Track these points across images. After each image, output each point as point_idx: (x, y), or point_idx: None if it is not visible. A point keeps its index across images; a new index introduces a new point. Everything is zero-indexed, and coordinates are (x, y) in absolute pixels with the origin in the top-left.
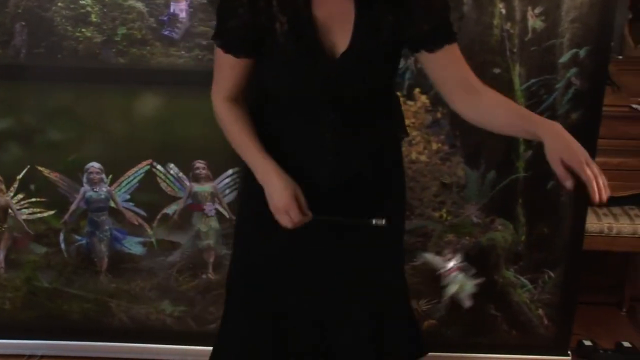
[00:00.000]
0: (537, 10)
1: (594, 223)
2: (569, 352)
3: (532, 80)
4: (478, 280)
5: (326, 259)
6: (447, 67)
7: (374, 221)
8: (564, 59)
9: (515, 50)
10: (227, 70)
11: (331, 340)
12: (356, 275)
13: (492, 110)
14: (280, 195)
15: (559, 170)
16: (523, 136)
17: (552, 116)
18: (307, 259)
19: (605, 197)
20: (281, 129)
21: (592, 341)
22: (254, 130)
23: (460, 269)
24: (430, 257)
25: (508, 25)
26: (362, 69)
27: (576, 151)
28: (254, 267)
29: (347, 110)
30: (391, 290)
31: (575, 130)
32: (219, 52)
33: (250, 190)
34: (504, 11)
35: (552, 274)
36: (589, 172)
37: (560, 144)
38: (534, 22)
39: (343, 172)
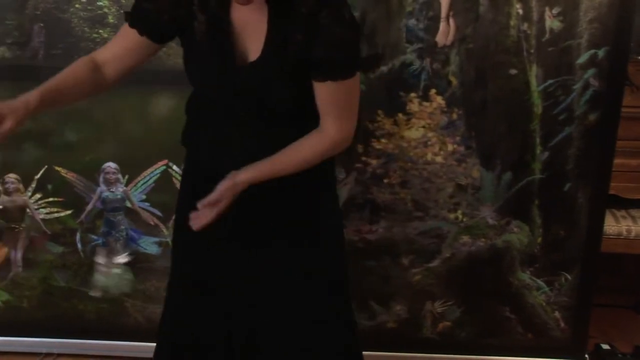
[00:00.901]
0: (554, 11)
1: (612, 225)
2: (586, 356)
3: (550, 81)
4: None
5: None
6: (319, 100)
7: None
8: (582, 59)
9: (532, 51)
10: (120, 37)
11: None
12: (284, 291)
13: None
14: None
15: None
16: None
17: (570, 117)
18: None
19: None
20: (199, 121)
21: (609, 345)
22: (67, 80)
23: None
24: None
25: (525, 26)
26: (265, 81)
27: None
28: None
29: (256, 115)
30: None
31: (593, 132)
32: (124, 26)
33: (179, 197)
34: (521, 12)
35: (568, 277)
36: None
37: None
38: (552, 22)
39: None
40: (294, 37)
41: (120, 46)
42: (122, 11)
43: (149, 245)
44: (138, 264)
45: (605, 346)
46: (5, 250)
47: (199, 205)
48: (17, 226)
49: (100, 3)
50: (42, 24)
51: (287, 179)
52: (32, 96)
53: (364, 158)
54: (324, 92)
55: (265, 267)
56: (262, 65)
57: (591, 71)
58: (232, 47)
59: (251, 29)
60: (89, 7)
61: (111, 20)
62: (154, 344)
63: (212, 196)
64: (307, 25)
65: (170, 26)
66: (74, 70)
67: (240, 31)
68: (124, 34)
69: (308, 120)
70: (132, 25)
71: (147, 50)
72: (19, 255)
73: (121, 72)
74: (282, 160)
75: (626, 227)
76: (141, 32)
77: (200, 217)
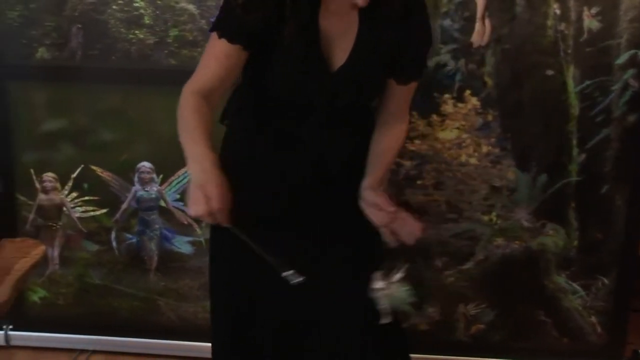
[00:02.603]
0: (593, 10)
1: None
2: None
3: (587, 82)
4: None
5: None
6: (394, 101)
7: (283, 273)
8: (621, 60)
9: (569, 51)
10: (221, 60)
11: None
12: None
13: (375, 139)
14: (208, 178)
15: (369, 209)
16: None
17: (608, 119)
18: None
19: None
20: (267, 123)
21: None
22: (209, 128)
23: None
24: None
25: (562, 26)
26: (355, 84)
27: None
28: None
29: (331, 117)
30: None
31: (632, 134)
32: (215, 43)
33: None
34: (558, 11)
35: (605, 281)
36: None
37: (374, 193)
38: (590, 22)
39: (318, 174)
40: (384, 40)
41: (222, 67)
42: (207, 27)
43: (182, 245)
44: (171, 263)
45: None
46: (43, 247)
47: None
48: (54, 224)
49: (137, 4)
50: (80, 25)
51: (338, 175)
52: (213, 156)
53: (397, 159)
54: (404, 91)
55: (318, 260)
56: (350, 69)
57: (631, 72)
58: (320, 51)
59: (339, 35)
60: (125, 8)
61: (147, 21)
62: (186, 342)
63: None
64: (396, 29)
65: (267, 32)
66: (206, 114)
67: (328, 37)
68: (221, 53)
69: (365, 121)
70: (233, 42)
71: (243, 62)
72: (56, 252)
73: (225, 93)
74: (390, 157)
75: None
76: (246, 47)
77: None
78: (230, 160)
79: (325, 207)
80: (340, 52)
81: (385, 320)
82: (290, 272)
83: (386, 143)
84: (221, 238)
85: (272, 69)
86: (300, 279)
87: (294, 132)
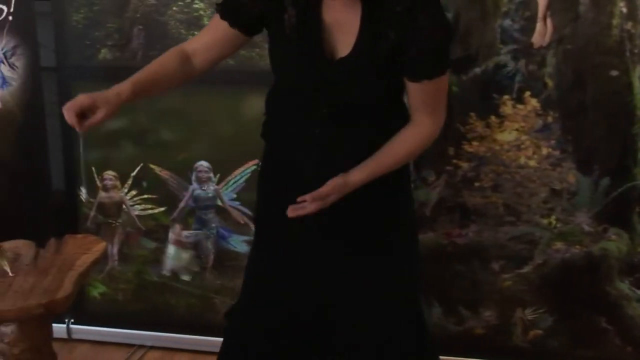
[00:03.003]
0: None
1: None
2: None
3: None
4: None
5: (331, 272)
6: (413, 96)
7: None
8: None
9: (636, 51)
10: (209, 30)
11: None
12: (361, 294)
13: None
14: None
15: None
16: None
17: None
18: (311, 265)
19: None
20: (279, 115)
21: None
22: (157, 70)
23: None
24: None
25: (629, 25)
26: (355, 77)
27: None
28: (262, 269)
29: (339, 112)
30: (395, 318)
31: None
32: (215, 15)
33: (263, 190)
34: (624, 10)
35: None
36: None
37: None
38: None
39: (326, 168)
40: (386, 34)
41: (210, 37)
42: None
43: (238, 244)
44: (227, 261)
45: None
46: (104, 244)
47: (308, 197)
48: (114, 221)
49: (197, 5)
50: (141, 27)
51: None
52: (124, 87)
53: (455, 161)
54: (419, 91)
55: (343, 263)
56: (352, 60)
57: None
58: (321, 42)
59: (342, 26)
60: (185, 10)
61: (206, 22)
62: None
63: (322, 190)
64: (401, 24)
65: (261, 19)
66: (164, 61)
67: (331, 28)
68: (214, 25)
69: (387, 118)
70: (223, 18)
71: (236, 42)
72: (115, 249)
73: (210, 62)
74: (387, 158)
75: None
76: (232, 25)
77: (302, 209)
78: (264, 152)
79: (341, 206)
80: (342, 45)
81: None
82: None
83: (391, 141)
84: (265, 226)
85: (276, 57)
86: None
87: (305, 126)
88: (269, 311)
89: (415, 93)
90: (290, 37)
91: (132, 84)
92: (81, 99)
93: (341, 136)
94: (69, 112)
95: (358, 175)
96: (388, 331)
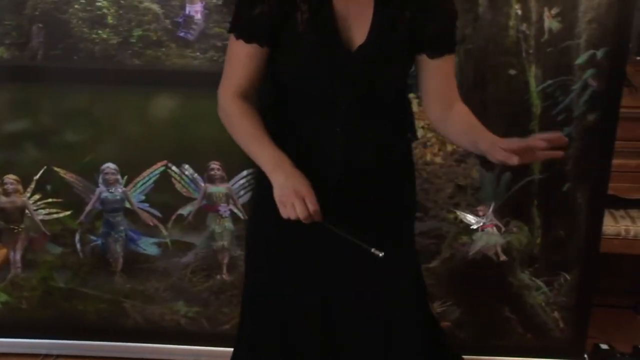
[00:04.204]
0: (553, 11)
1: (610, 225)
2: (585, 356)
3: (549, 82)
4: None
5: (338, 262)
6: (436, 77)
7: (372, 249)
8: (580, 60)
9: (531, 51)
10: (244, 61)
11: (339, 343)
12: (368, 279)
13: (454, 123)
14: (296, 181)
15: (500, 154)
16: (470, 148)
17: (569, 118)
18: (319, 259)
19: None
20: (293, 123)
21: (608, 345)
22: (263, 126)
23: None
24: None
25: (524, 27)
26: (377, 63)
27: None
28: (270, 270)
29: (359, 106)
30: (402, 296)
31: (592, 132)
32: (234, 45)
33: (265, 192)
34: (519, 12)
35: (567, 277)
36: (530, 140)
37: (496, 140)
38: (550, 22)
39: (350, 167)
40: (402, 16)
41: (245, 69)
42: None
43: (148, 246)
44: (137, 264)
45: (604, 346)
46: (4, 251)
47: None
48: (16, 227)
49: (100, 4)
50: (41, 25)
51: (376, 171)
52: (287, 156)
53: None
54: (444, 67)
55: (352, 256)
56: (370, 48)
57: (590, 71)
58: (337, 32)
59: (355, 16)
60: (88, 8)
61: (110, 21)
62: (153, 345)
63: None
64: (415, 3)
65: (278, 24)
66: (254, 115)
67: (344, 18)
68: (239, 55)
69: (402, 113)
70: (250, 41)
71: (268, 55)
72: (18, 256)
73: (257, 86)
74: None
75: (625, 227)
76: (262, 44)
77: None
78: None
79: (359, 205)
80: (358, 33)
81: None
82: (375, 249)
83: (472, 118)
84: (264, 230)
85: (290, 60)
86: (381, 254)
87: (324, 127)
88: (277, 307)
89: (440, 73)
90: (304, 34)
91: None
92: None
93: (362, 132)
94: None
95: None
96: (400, 322)
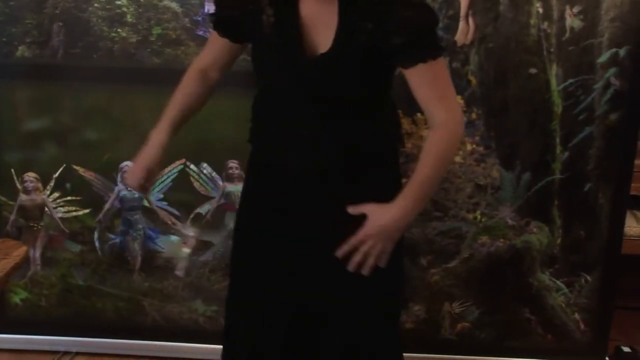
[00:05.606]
0: (575, 9)
1: (633, 226)
2: (606, 358)
3: (570, 81)
4: None
5: (311, 271)
6: (414, 88)
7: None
8: (602, 58)
9: (552, 50)
10: (217, 47)
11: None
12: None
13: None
14: (138, 157)
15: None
16: None
17: (590, 117)
18: (292, 267)
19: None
20: (266, 116)
21: (630, 347)
22: (186, 105)
23: None
24: None
25: (545, 25)
26: (338, 71)
27: (368, 230)
28: (247, 264)
29: (324, 109)
30: (366, 317)
31: (614, 132)
32: (213, 32)
33: (246, 186)
34: (541, 10)
35: (588, 278)
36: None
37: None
38: (572, 21)
39: (315, 165)
40: (364, 26)
41: (216, 50)
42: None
43: (166, 245)
44: (155, 263)
45: (626, 348)
46: (24, 248)
47: (339, 253)
48: (35, 225)
49: (119, 2)
50: (61, 23)
51: (359, 178)
52: (161, 136)
53: None
54: (418, 80)
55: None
56: (333, 55)
57: (612, 70)
58: (300, 38)
59: (320, 22)
60: (107, 6)
61: (129, 19)
62: (170, 343)
63: (354, 240)
64: (378, 14)
65: (248, 25)
66: (188, 89)
67: (309, 24)
68: (215, 40)
69: (376, 112)
70: (222, 36)
71: (240, 48)
72: (38, 253)
73: (223, 70)
74: (419, 176)
75: None
76: (233, 40)
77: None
78: (250, 156)
79: (323, 201)
80: (323, 39)
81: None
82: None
83: (420, 158)
84: (247, 225)
85: (258, 60)
86: None
87: (291, 126)
88: (261, 309)
89: (417, 84)
90: (269, 37)
91: (169, 126)
92: (138, 177)
93: (328, 133)
94: (136, 190)
95: (398, 211)
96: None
